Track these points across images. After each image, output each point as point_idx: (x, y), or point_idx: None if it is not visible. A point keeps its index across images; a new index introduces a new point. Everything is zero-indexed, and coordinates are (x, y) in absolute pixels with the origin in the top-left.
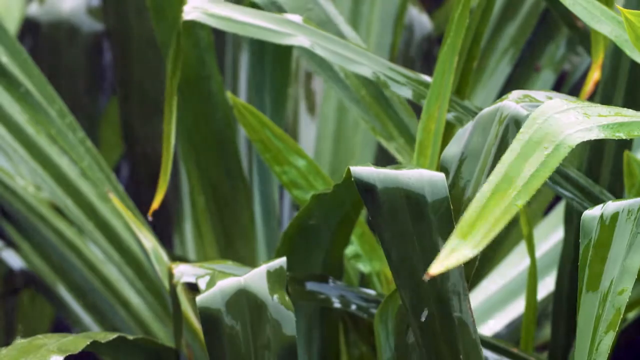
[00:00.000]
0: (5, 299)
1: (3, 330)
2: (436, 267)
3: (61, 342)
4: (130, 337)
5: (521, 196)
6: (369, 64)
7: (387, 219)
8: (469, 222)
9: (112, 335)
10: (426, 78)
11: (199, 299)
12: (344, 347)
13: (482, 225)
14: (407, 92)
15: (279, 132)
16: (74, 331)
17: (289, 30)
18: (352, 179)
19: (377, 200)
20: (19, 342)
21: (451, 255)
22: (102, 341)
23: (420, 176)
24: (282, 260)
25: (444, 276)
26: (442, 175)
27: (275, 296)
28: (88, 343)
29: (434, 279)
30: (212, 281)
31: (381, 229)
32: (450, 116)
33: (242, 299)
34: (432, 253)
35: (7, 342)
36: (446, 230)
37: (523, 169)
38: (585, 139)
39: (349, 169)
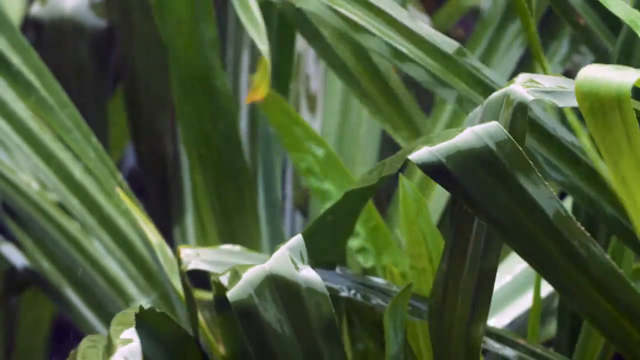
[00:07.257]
0: (7, 296)
1: (3, 329)
2: None
3: (117, 318)
4: (158, 311)
5: None
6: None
7: (468, 185)
8: None
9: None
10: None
11: (229, 294)
12: (348, 341)
13: None
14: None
15: (300, 119)
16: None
17: None
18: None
19: (449, 173)
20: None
21: None
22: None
23: (474, 133)
24: (298, 238)
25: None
26: (493, 123)
27: (303, 271)
28: (136, 312)
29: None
30: (236, 274)
31: (469, 197)
32: None
33: (272, 284)
34: (521, 193)
35: (7, 341)
36: (523, 165)
37: None
38: None
39: (407, 158)
